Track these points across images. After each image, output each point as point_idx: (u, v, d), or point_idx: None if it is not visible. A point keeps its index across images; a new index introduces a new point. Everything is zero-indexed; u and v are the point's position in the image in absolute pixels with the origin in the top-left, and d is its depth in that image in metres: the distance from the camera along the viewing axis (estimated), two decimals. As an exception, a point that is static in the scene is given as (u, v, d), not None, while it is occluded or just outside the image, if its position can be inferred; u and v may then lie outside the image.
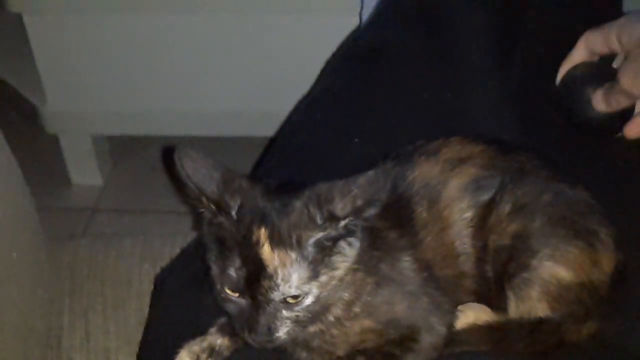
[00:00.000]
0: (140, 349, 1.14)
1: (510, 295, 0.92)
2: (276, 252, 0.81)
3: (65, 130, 2.26)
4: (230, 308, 0.85)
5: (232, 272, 0.81)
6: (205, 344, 0.92)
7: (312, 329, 0.87)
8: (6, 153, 1.16)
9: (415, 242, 0.90)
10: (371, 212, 0.81)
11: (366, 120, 1.17)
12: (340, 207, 0.81)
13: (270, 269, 0.81)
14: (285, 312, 0.83)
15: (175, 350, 0.92)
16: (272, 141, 1.50)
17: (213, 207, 0.83)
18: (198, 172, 0.85)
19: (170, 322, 1.07)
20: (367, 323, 0.88)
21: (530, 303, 0.92)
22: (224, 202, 0.83)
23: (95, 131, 2.30)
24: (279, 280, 0.81)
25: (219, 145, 2.36)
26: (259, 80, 2.06)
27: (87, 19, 2.01)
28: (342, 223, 0.82)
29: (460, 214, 0.95)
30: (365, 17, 1.44)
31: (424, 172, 0.95)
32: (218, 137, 2.28)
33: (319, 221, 0.81)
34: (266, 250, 0.81)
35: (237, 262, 0.81)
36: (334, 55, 1.41)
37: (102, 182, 2.38)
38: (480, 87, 1.19)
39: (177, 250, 1.25)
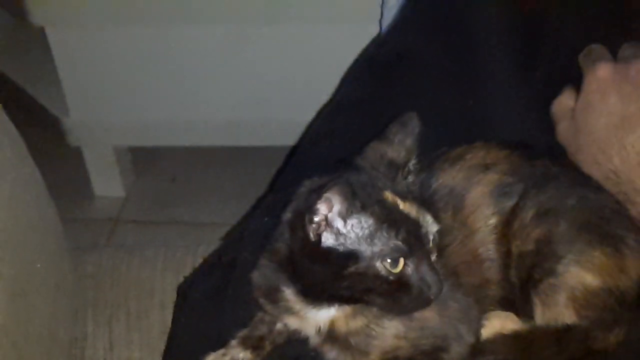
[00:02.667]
0: (163, 359, 1.14)
1: (537, 301, 0.91)
2: (407, 202, 0.84)
3: (88, 141, 2.27)
4: (387, 295, 0.84)
5: (392, 243, 0.81)
6: (227, 358, 0.91)
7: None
8: (30, 165, 1.17)
9: (440, 248, 0.90)
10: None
11: (388, 128, 1.17)
12: (395, 156, 0.88)
13: (415, 218, 0.83)
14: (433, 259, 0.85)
15: (198, 360, 0.92)
16: (293, 150, 1.50)
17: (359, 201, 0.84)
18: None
19: (193, 332, 1.06)
20: (401, 328, 0.87)
21: (556, 309, 0.90)
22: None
23: (118, 142, 2.31)
24: (425, 223, 0.84)
25: (241, 155, 2.37)
26: (281, 89, 2.07)
27: (108, 31, 2.02)
28: (409, 165, 0.88)
29: (485, 221, 0.94)
30: (385, 25, 1.43)
31: (448, 178, 0.95)
32: (240, 147, 2.29)
33: (391, 176, 0.86)
34: (402, 205, 0.83)
35: (392, 231, 0.82)
36: (355, 63, 1.41)
37: (125, 193, 2.40)
38: (503, 92, 1.19)
39: (200, 260, 1.24)
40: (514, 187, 0.94)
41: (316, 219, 0.82)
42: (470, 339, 0.89)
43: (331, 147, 1.18)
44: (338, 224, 0.82)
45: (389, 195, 0.83)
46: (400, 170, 0.87)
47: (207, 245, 1.30)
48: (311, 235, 0.82)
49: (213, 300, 1.04)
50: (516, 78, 1.20)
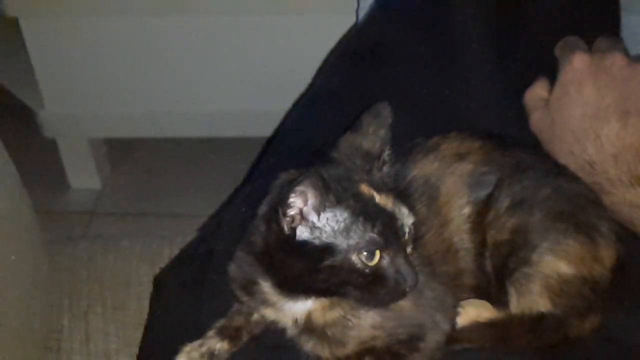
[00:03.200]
0: (140, 350, 1.13)
1: (511, 290, 0.92)
2: (383, 195, 0.84)
3: (63, 133, 2.26)
4: (361, 288, 0.84)
5: (367, 236, 0.82)
6: (204, 349, 0.91)
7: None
8: (4, 157, 1.16)
9: (416, 238, 0.90)
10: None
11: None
12: (370, 146, 0.88)
13: (391, 211, 0.83)
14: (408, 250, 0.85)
15: (175, 351, 0.91)
16: (270, 140, 1.50)
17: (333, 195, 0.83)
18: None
19: (169, 323, 1.06)
20: (378, 318, 0.87)
21: (531, 298, 0.91)
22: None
23: (93, 134, 2.29)
24: (401, 215, 0.84)
25: (217, 146, 2.36)
26: (256, 80, 2.06)
27: (83, 22, 2.00)
28: (384, 155, 0.87)
29: (459, 210, 0.95)
30: (361, 15, 1.43)
31: (423, 168, 0.95)
32: (216, 138, 2.29)
33: (368, 167, 0.86)
34: (378, 198, 0.83)
35: (368, 224, 0.82)
36: (331, 53, 1.41)
37: (101, 185, 2.38)
38: (479, 83, 1.19)
39: (176, 251, 1.24)
40: (488, 177, 0.95)
41: (290, 212, 0.82)
42: (446, 327, 0.90)
43: (307, 137, 1.18)
44: (313, 217, 0.82)
45: (365, 188, 0.83)
46: (376, 161, 0.87)
47: (183, 236, 1.30)
48: (285, 228, 0.82)
49: (190, 291, 1.04)
50: (491, 69, 1.21)
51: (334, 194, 0.82)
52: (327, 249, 0.82)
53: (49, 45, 2.05)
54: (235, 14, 1.97)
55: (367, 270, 0.82)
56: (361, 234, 0.81)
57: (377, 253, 0.82)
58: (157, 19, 1.98)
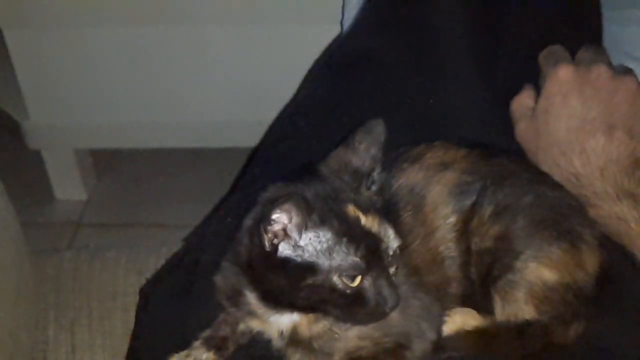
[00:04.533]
0: (126, 361, 1.13)
1: (496, 297, 0.92)
2: (370, 217, 0.83)
3: (48, 145, 2.25)
4: (339, 309, 0.84)
5: (350, 259, 0.81)
6: (190, 360, 0.91)
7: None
8: (-12, 168, 1.16)
9: (402, 248, 0.90)
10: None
11: (349, 128, 1.17)
12: (360, 164, 0.87)
13: (377, 233, 0.83)
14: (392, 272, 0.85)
15: (161, 363, 0.92)
16: (255, 151, 1.50)
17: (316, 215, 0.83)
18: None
19: (156, 334, 1.06)
20: (364, 329, 0.87)
21: (516, 305, 0.92)
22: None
23: (78, 145, 2.29)
24: (387, 238, 0.84)
25: (203, 156, 2.36)
26: (241, 90, 2.06)
27: (68, 33, 2.00)
28: (374, 175, 0.87)
29: (445, 219, 0.95)
30: (346, 26, 1.44)
31: (408, 178, 0.96)
32: (201, 148, 2.29)
33: (355, 185, 0.86)
34: (365, 220, 0.83)
35: (352, 247, 0.82)
36: (316, 63, 1.41)
37: (86, 197, 2.37)
38: (463, 91, 1.19)
39: (163, 262, 1.24)
40: (473, 185, 0.95)
41: (272, 229, 0.81)
42: (432, 335, 0.90)
43: (293, 147, 1.19)
44: (295, 235, 0.81)
45: (351, 210, 0.83)
46: (364, 179, 0.87)
47: (169, 246, 1.30)
48: (267, 244, 0.82)
49: (176, 302, 1.04)
50: (476, 77, 1.21)
51: (318, 214, 0.82)
52: (309, 268, 0.82)
53: (34, 55, 2.04)
54: (220, 24, 1.97)
55: (348, 291, 0.82)
56: (344, 257, 0.81)
57: (359, 276, 0.82)
58: (142, 30, 1.98)
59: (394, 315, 0.87)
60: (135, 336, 1.13)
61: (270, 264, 0.83)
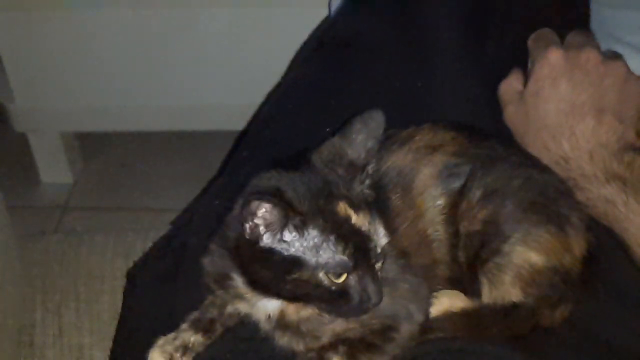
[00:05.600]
0: (113, 344, 1.13)
1: (484, 280, 0.93)
2: (360, 215, 0.82)
3: (34, 128, 2.24)
4: (324, 303, 0.84)
5: (337, 258, 0.81)
6: (178, 342, 0.91)
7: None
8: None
9: (391, 230, 0.90)
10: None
11: (338, 110, 1.17)
12: (355, 157, 0.85)
13: (367, 232, 0.82)
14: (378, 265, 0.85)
15: (149, 345, 0.91)
16: (243, 134, 1.50)
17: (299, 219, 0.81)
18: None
19: (143, 317, 1.06)
20: None
21: (503, 288, 0.92)
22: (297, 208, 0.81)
23: (65, 128, 2.28)
24: (376, 237, 0.83)
25: (190, 139, 2.36)
26: (229, 73, 2.06)
27: (54, 15, 1.99)
28: (368, 169, 0.85)
29: (433, 202, 0.95)
30: (334, 8, 1.43)
31: (396, 160, 0.95)
32: (189, 131, 2.28)
33: (349, 178, 0.85)
34: (355, 218, 0.82)
35: (340, 245, 0.81)
36: (304, 45, 1.41)
37: (73, 180, 2.37)
38: (453, 74, 1.19)
39: (150, 245, 1.24)
40: (461, 168, 0.95)
41: (253, 220, 0.81)
42: (420, 317, 0.90)
43: (281, 129, 1.18)
44: (277, 231, 0.81)
45: (342, 207, 0.82)
46: (359, 172, 0.86)
47: (157, 230, 1.29)
48: (247, 233, 0.82)
49: (163, 284, 1.04)
50: (465, 60, 1.21)
51: (304, 212, 0.81)
52: (295, 262, 0.81)
53: (19, 38, 2.03)
54: (209, 7, 1.96)
55: (333, 287, 0.82)
56: (331, 254, 0.81)
57: (345, 274, 0.82)
58: (130, 11, 1.98)
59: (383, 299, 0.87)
60: (123, 319, 1.13)
61: (255, 253, 0.82)
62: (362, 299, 0.82)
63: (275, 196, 0.79)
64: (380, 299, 0.83)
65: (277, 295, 0.85)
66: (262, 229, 0.81)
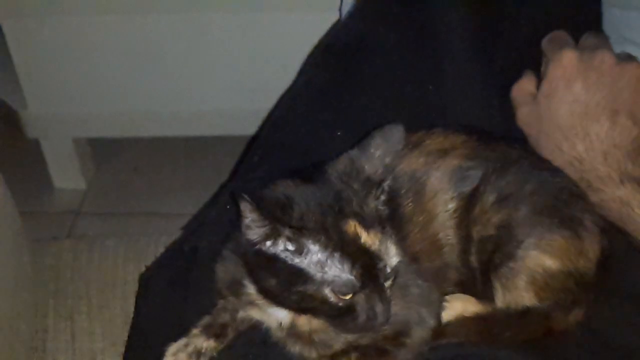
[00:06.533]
0: (126, 349, 1.13)
1: (497, 285, 0.92)
2: (371, 234, 0.81)
3: (47, 134, 2.24)
4: (326, 316, 0.84)
5: (344, 277, 0.80)
6: (190, 349, 0.91)
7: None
8: (-13, 158, 1.16)
9: (402, 235, 0.90)
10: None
11: (348, 114, 1.17)
12: (372, 172, 0.84)
13: (377, 252, 0.81)
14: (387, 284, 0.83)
15: (161, 350, 0.91)
16: (254, 138, 1.50)
17: (291, 232, 0.81)
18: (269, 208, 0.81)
19: (155, 322, 1.06)
20: None
21: (516, 293, 0.92)
22: (292, 222, 0.81)
23: (77, 134, 2.28)
24: (386, 257, 0.82)
25: (202, 145, 2.36)
26: (240, 78, 2.06)
27: (66, 22, 1.99)
28: (384, 185, 0.84)
29: (445, 206, 0.95)
30: (344, 12, 1.43)
31: (408, 164, 0.95)
32: (201, 136, 2.28)
33: (364, 193, 0.83)
34: (365, 237, 0.81)
35: (347, 264, 0.80)
36: (315, 49, 1.41)
37: (85, 185, 2.37)
38: (463, 78, 1.19)
39: (162, 250, 1.24)
40: (473, 171, 0.95)
41: (247, 223, 0.81)
42: (432, 322, 0.90)
43: (292, 134, 1.18)
44: (272, 238, 0.81)
45: (351, 225, 0.81)
46: (374, 188, 0.85)
47: (169, 235, 1.30)
48: (245, 235, 0.81)
49: (175, 289, 1.04)
50: (475, 64, 1.21)
51: (308, 225, 0.80)
52: (299, 274, 0.81)
53: (31, 44, 2.03)
54: (219, 12, 1.96)
55: (340, 304, 0.81)
56: (338, 272, 0.80)
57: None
58: (142, 18, 1.98)
59: (395, 304, 0.87)
60: (135, 324, 1.13)
61: (261, 259, 0.82)
62: (368, 317, 0.82)
63: (255, 201, 0.79)
64: (388, 319, 0.82)
65: (284, 305, 0.85)
66: (253, 231, 0.80)
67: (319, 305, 0.82)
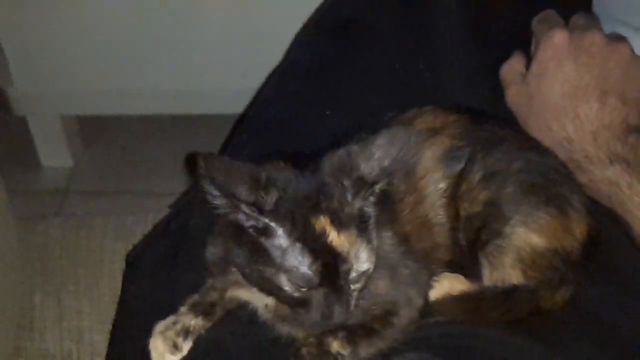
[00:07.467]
0: (113, 327, 1.13)
1: (484, 262, 0.93)
2: (342, 235, 0.80)
3: (34, 111, 2.23)
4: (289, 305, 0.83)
5: (302, 270, 0.79)
6: (179, 327, 0.90)
7: None
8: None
9: (393, 216, 0.90)
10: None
11: (338, 93, 1.17)
12: (367, 172, 0.82)
13: (344, 254, 0.79)
14: (352, 287, 0.82)
15: (149, 328, 0.91)
16: (242, 117, 1.49)
17: (250, 209, 0.79)
18: (227, 179, 0.79)
19: (143, 300, 1.06)
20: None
21: (503, 270, 0.92)
22: (260, 201, 0.79)
23: (65, 112, 2.27)
24: (354, 261, 0.80)
25: (191, 123, 2.35)
26: (229, 57, 2.05)
27: (52, -2, 1.98)
28: (376, 187, 0.82)
29: (435, 185, 0.95)
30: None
31: None
32: (189, 115, 2.27)
33: (353, 191, 0.81)
34: (334, 237, 0.79)
35: (308, 258, 0.79)
36: (303, 27, 1.40)
37: (73, 164, 2.36)
38: (454, 58, 1.19)
39: (150, 229, 1.23)
40: (463, 151, 0.95)
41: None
42: (419, 302, 0.90)
43: (280, 112, 1.18)
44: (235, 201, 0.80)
45: (321, 221, 0.79)
46: (365, 188, 0.82)
47: (156, 213, 1.29)
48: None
49: (163, 267, 1.04)
50: (466, 42, 1.21)
51: (280, 211, 0.79)
52: (260, 250, 0.80)
53: (17, 21, 2.02)
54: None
55: (295, 294, 0.81)
56: (297, 264, 0.79)
57: None
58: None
59: (384, 284, 0.87)
60: (123, 302, 1.13)
61: (231, 229, 0.82)
62: (323, 315, 0.81)
63: (218, 167, 0.78)
64: (344, 321, 0.82)
65: (250, 283, 0.84)
66: (211, 194, 0.80)
67: (275, 290, 0.81)
